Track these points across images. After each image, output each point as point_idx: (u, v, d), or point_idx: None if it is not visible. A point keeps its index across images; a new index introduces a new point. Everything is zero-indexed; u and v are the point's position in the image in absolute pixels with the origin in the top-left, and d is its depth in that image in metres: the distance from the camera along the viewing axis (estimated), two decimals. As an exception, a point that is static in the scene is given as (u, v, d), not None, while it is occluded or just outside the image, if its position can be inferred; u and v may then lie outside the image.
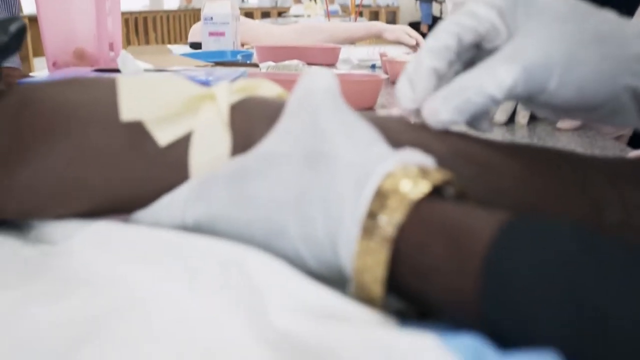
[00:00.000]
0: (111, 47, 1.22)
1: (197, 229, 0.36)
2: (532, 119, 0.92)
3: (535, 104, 0.42)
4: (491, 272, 0.24)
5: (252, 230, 0.33)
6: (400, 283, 0.28)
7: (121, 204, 0.39)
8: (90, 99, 0.39)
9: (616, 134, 0.89)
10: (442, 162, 0.38)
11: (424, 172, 0.30)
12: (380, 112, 0.98)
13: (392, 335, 0.24)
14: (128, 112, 0.37)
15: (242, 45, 1.87)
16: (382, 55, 1.40)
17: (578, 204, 0.40)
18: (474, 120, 0.42)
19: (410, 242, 0.28)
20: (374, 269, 0.28)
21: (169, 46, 1.94)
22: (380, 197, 0.29)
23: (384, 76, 0.99)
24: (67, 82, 0.42)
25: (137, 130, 0.38)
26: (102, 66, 1.22)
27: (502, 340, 0.23)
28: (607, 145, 0.77)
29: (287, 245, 0.32)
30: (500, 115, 0.89)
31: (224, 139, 0.37)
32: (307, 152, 0.32)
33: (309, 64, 1.52)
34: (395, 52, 1.56)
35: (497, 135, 0.83)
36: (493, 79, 0.38)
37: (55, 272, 0.36)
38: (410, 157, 0.31)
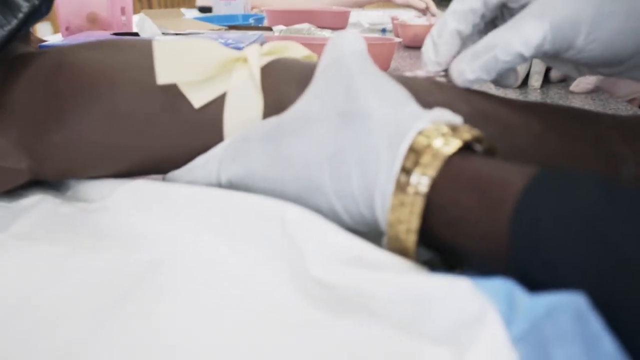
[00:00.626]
0: (123, 11, 1.23)
1: (232, 188, 0.37)
2: (546, 82, 0.93)
3: (560, 60, 0.42)
4: (521, 218, 0.26)
5: (287, 187, 0.34)
6: (433, 235, 0.30)
7: (157, 165, 0.41)
8: (124, 62, 0.41)
9: (630, 96, 0.90)
10: (466, 121, 0.39)
11: (454, 130, 0.31)
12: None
13: (426, 280, 0.26)
14: (164, 75, 0.38)
15: (252, 8, 1.87)
16: (393, 19, 1.40)
17: (594, 160, 0.42)
18: (501, 77, 0.43)
19: (443, 196, 0.29)
20: (409, 221, 0.29)
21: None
22: (414, 153, 0.30)
23: (397, 40, 0.99)
24: (100, 44, 0.43)
25: (172, 93, 0.39)
26: (115, 30, 1.22)
27: (531, 285, 0.25)
28: (619, 108, 0.78)
29: (322, 202, 0.33)
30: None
31: (256, 101, 0.38)
32: (341, 111, 0.33)
33: (319, 27, 1.52)
34: (406, 16, 1.56)
35: (513, 97, 0.84)
36: (521, 37, 0.38)
37: (95, 228, 0.38)
38: (441, 116, 0.32)
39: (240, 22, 1.31)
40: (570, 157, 0.41)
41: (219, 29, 1.10)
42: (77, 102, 0.40)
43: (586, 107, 0.79)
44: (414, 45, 1.29)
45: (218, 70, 0.39)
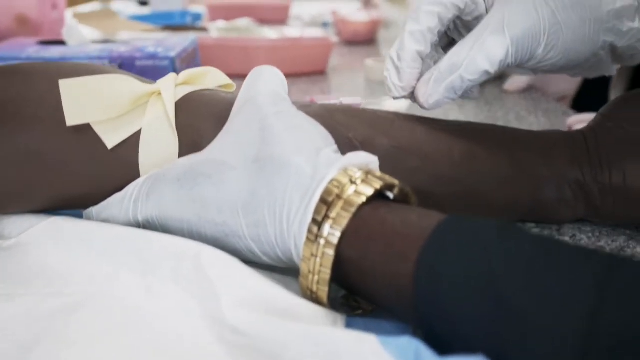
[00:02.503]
0: (54, 5, 1.18)
1: (148, 226, 0.37)
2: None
3: (521, 69, 0.43)
4: (423, 275, 0.26)
5: (202, 230, 0.34)
6: (345, 282, 0.30)
7: (74, 201, 0.40)
8: (35, 95, 0.39)
9: (560, 94, 0.92)
10: (386, 156, 0.39)
11: (367, 177, 0.31)
12: (333, 74, 0.99)
13: (335, 334, 0.26)
14: (73, 116, 0.37)
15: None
16: (333, 14, 1.39)
17: (516, 184, 0.42)
18: (464, 93, 0.43)
19: (353, 248, 0.29)
20: (320, 272, 0.30)
21: (115, 2, 1.89)
22: (326, 204, 0.30)
23: (334, 39, 0.99)
24: (12, 71, 0.41)
25: (85, 131, 0.38)
26: (46, 30, 1.18)
27: (437, 339, 0.25)
28: (550, 108, 0.80)
29: (239, 245, 0.33)
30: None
31: (171, 140, 0.38)
32: (255, 157, 0.33)
33: (260, 21, 1.50)
34: (348, 9, 1.55)
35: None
36: (484, 54, 0.38)
37: (9, 268, 0.37)
38: (355, 160, 0.32)
39: (176, 20, 1.28)
40: (493, 183, 0.42)
41: (153, 30, 1.07)
42: None
43: (518, 106, 0.80)
44: (354, 41, 1.29)
45: (131, 106, 0.38)
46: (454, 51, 0.39)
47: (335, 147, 0.34)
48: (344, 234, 0.30)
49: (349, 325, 0.29)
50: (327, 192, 0.30)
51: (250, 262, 0.34)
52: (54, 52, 0.73)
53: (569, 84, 0.91)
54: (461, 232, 0.27)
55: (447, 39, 0.45)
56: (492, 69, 0.39)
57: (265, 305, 0.30)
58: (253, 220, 0.32)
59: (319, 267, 0.30)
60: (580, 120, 0.69)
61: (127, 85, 0.38)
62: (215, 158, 0.34)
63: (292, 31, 1.30)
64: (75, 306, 0.32)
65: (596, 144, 0.44)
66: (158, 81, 0.40)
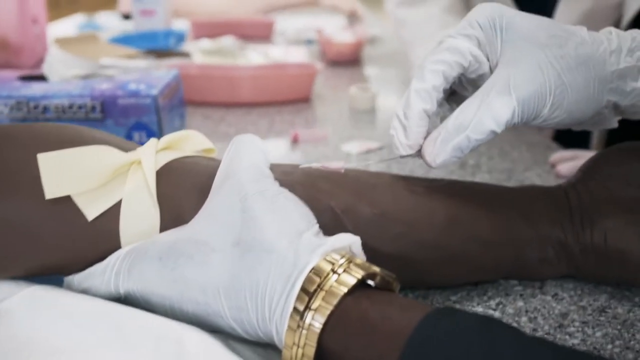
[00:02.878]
0: (35, 20, 1.17)
1: (130, 299, 0.37)
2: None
3: (525, 126, 0.43)
4: None
5: (184, 308, 0.34)
6: None
7: (54, 269, 0.39)
8: (14, 164, 0.39)
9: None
10: (369, 223, 0.39)
11: (349, 266, 0.31)
12: (318, 102, 0.98)
13: None
14: (52, 189, 0.37)
15: (175, 13, 1.82)
16: (318, 32, 1.39)
17: (500, 247, 0.42)
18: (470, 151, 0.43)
19: (334, 340, 0.30)
20: (305, 358, 0.30)
21: (99, 15, 1.87)
22: (307, 294, 0.30)
23: (318, 64, 0.99)
24: None
25: (65, 202, 0.37)
26: (28, 50, 1.17)
27: None
28: (534, 141, 0.80)
29: (222, 324, 0.33)
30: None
31: (152, 212, 0.37)
32: (237, 241, 0.33)
33: (245, 38, 1.50)
34: (332, 27, 1.55)
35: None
36: (491, 115, 0.38)
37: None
38: (337, 244, 0.32)
39: (160, 42, 1.27)
40: (476, 247, 0.42)
41: (135, 55, 1.07)
42: None
43: (501, 140, 0.80)
44: (338, 61, 1.29)
45: (111, 177, 0.38)
46: (460, 110, 0.39)
47: (316, 227, 0.34)
48: (326, 325, 0.30)
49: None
50: (308, 280, 0.31)
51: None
52: (35, 90, 0.72)
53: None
54: (441, 333, 0.27)
55: (449, 90, 0.45)
56: (499, 129, 0.39)
57: None
58: (235, 304, 0.32)
59: (300, 357, 0.30)
60: (564, 158, 0.70)
61: (106, 155, 0.38)
62: (198, 238, 0.35)
63: (276, 51, 1.30)
64: None
65: (578, 203, 0.44)
66: (139, 148, 0.40)
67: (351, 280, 0.31)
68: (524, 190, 0.46)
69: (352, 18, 1.87)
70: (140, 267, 0.36)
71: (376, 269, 0.32)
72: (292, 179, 0.40)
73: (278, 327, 0.31)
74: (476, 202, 0.43)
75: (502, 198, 0.44)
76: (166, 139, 0.41)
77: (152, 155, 0.39)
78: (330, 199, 0.40)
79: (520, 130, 0.85)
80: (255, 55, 1.19)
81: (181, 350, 0.33)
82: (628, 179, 0.44)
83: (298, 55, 1.27)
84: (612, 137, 0.95)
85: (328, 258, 0.31)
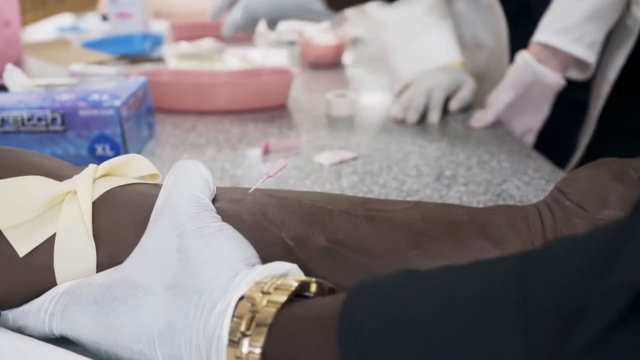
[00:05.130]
0: (6, 23, 1.14)
1: (65, 339, 0.34)
2: (445, 116, 0.92)
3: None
4: (345, 341, 0.25)
5: (120, 354, 0.32)
6: None
7: None
8: None
9: (526, 128, 0.90)
10: (323, 254, 0.37)
11: (280, 284, 0.29)
12: (294, 108, 0.96)
13: None
14: None
15: (155, 13, 1.79)
16: (299, 34, 1.36)
17: None
18: None
19: (277, 355, 0.27)
20: None
21: (87, 17, 1.84)
22: (239, 323, 0.28)
23: (295, 70, 0.96)
24: None
25: None
26: (0, 53, 1.14)
27: None
28: (514, 149, 0.77)
29: None
30: (412, 114, 0.88)
31: (88, 248, 0.35)
32: (172, 284, 0.31)
33: (225, 40, 1.47)
34: (314, 28, 1.52)
35: (408, 136, 0.82)
36: None
37: None
38: (267, 271, 0.31)
39: (136, 46, 1.24)
40: None
41: (107, 60, 1.04)
42: None
43: (482, 146, 0.78)
44: (318, 64, 1.26)
45: (44, 209, 0.35)
46: None
47: (258, 264, 0.32)
48: (264, 349, 0.27)
49: None
50: (240, 309, 0.28)
51: None
52: (-7, 101, 0.69)
53: (534, 118, 0.89)
54: (371, 290, 0.26)
55: None
56: None
57: None
58: (170, 352, 0.30)
59: None
60: (480, 121, 0.78)
61: (39, 186, 0.36)
62: (132, 280, 0.32)
63: (255, 54, 1.27)
64: None
65: (552, 224, 0.41)
66: (75, 176, 0.37)
67: (282, 297, 0.28)
68: (495, 213, 0.43)
69: (337, 19, 1.84)
70: (73, 311, 0.33)
71: (309, 278, 0.31)
72: (240, 208, 0.37)
73: None
74: (442, 228, 0.40)
75: (471, 222, 0.41)
76: (106, 164, 0.38)
77: (89, 184, 0.36)
78: (281, 229, 0.37)
79: (500, 137, 0.82)
80: (233, 60, 1.16)
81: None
82: (605, 199, 0.42)
83: (278, 59, 1.24)
84: (596, 146, 0.93)
85: (258, 284, 0.29)
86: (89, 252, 0.35)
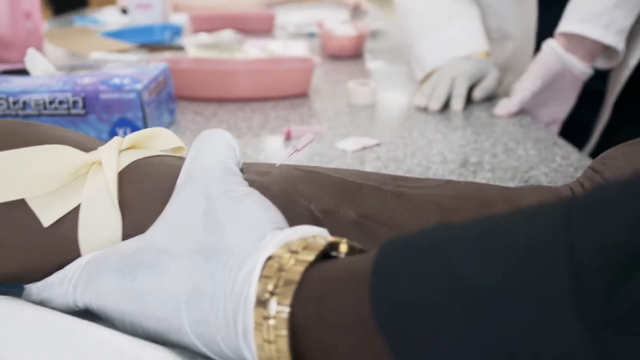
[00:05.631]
0: (28, 15, 1.14)
1: (89, 312, 0.34)
2: (468, 102, 0.90)
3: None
4: (378, 292, 0.24)
5: (144, 323, 0.31)
6: None
7: (14, 277, 0.36)
8: None
9: (551, 118, 0.88)
10: (352, 227, 0.36)
11: (308, 243, 0.28)
12: (315, 97, 0.95)
13: None
14: (4, 193, 0.34)
15: (175, 7, 1.79)
16: (319, 26, 1.35)
17: None
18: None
19: (306, 315, 0.26)
20: (280, 355, 0.26)
21: (106, 10, 1.85)
22: (267, 283, 0.27)
23: (317, 58, 0.95)
24: None
25: (20, 207, 0.34)
26: (20, 44, 1.14)
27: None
28: (540, 137, 0.76)
29: (184, 340, 0.30)
30: (435, 102, 0.87)
31: (113, 219, 0.34)
32: (200, 247, 0.30)
33: (245, 32, 1.46)
34: (334, 20, 1.51)
35: (431, 124, 0.81)
36: None
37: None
38: (296, 233, 0.29)
39: (155, 36, 1.23)
40: None
41: (128, 48, 1.03)
42: None
43: (507, 135, 0.76)
44: (339, 55, 1.25)
45: (68, 179, 0.34)
46: None
47: (285, 227, 0.31)
48: (293, 308, 0.26)
49: None
50: (267, 271, 0.27)
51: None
52: (15, 85, 0.69)
53: (560, 108, 0.87)
54: (404, 246, 0.25)
55: None
56: None
57: None
58: (196, 318, 0.29)
59: (276, 353, 0.26)
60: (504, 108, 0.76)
61: (63, 156, 0.35)
62: (157, 246, 0.31)
63: (275, 45, 1.26)
64: None
65: None
66: (100, 148, 0.37)
67: (311, 255, 0.27)
68: (527, 192, 0.42)
69: (356, 12, 1.84)
70: (97, 279, 0.32)
71: (340, 238, 0.29)
72: (268, 180, 0.36)
73: (246, 332, 0.27)
74: (474, 206, 0.39)
75: (503, 201, 0.40)
76: (131, 137, 0.38)
77: (115, 155, 0.35)
78: (310, 201, 0.36)
79: (525, 126, 0.81)
80: (253, 50, 1.15)
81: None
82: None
83: (298, 50, 1.23)
84: (611, 133, 0.91)
85: (286, 244, 0.28)
86: (114, 222, 0.34)
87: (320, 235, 0.30)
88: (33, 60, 0.74)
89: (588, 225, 0.20)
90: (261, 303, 0.27)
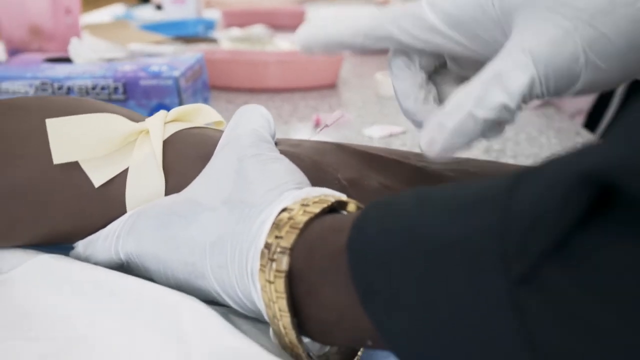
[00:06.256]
0: (68, 10, 1.19)
1: (129, 263, 0.37)
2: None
3: (567, 95, 0.34)
4: (352, 252, 0.26)
5: (175, 270, 0.34)
6: (302, 310, 0.29)
7: (61, 237, 0.40)
8: (26, 131, 0.39)
9: (576, 110, 0.89)
10: (375, 196, 0.38)
11: (320, 199, 0.31)
12: (344, 88, 0.97)
13: None
14: (60, 155, 0.37)
15: (207, 3, 1.83)
16: (347, 20, 1.38)
17: None
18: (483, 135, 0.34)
19: (301, 259, 0.28)
20: (278, 296, 0.28)
21: (138, 7, 1.90)
22: (277, 229, 0.29)
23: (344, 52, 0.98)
24: (7, 106, 0.41)
25: (72, 168, 0.38)
26: (60, 38, 1.19)
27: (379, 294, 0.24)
28: (563, 127, 0.78)
29: (208, 288, 0.33)
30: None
31: (158, 180, 0.37)
32: (227, 199, 0.33)
33: (276, 27, 1.49)
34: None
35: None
36: (501, 85, 0.31)
37: None
38: (315, 192, 0.32)
39: (189, 30, 1.27)
40: None
41: (164, 41, 1.07)
42: None
43: (531, 125, 0.78)
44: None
45: (119, 145, 0.38)
46: (463, 87, 0.32)
47: (305, 184, 0.33)
48: (292, 249, 0.28)
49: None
50: (278, 219, 0.30)
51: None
52: (60, 71, 0.73)
53: (585, 99, 0.88)
54: (382, 204, 0.27)
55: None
56: (513, 102, 0.31)
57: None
58: (218, 262, 0.32)
59: (275, 293, 0.28)
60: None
61: (115, 123, 0.38)
62: (191, 198, 0.35)
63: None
64: (59, 352, 0.32)
65: None
66: (147, 119, 0.40)
67: (318, 208, 0.30)
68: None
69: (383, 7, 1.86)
70: (138, 229, 0.36)
71: (349, 199, 0.31)
72: (299, 150, 0.39)
73: (253, 273, 0.30)
74: None
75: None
76: (176, 111, 0.41)
77: (161, 125, 0.39)
78: (337, 170, 0.39)
79: (549, 116, 0.82)
80: (284, 43, 1.18)
81: (178, 317, 0.32)
82: None
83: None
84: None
85: (302, 200, 0.31)
86: (158, 184, 0.37)
87: (333, 195, 0.32)
88: (76, 48, 0.78)
89: (524, 186, 0.21)
90: (268, 246, 0.29)
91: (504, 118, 0.32)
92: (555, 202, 0.19)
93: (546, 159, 0.22)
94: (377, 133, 0.73)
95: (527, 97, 0.32)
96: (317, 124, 0.77)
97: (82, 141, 0.37)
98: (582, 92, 0.33)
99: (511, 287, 0.20)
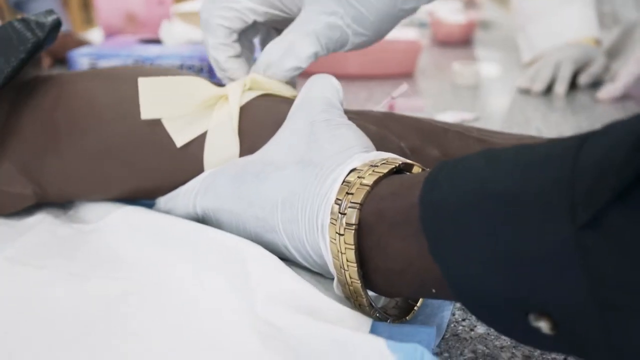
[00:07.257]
0: (160, 2, 1.26)
1: (204, 217, 0.40)
2: (572, 88, 0.91)
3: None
4: (426, 195, 0.28)
5: (247, 224, 0.37)
6: (372, 266, 0.31)
7: (145, 192, 0.43)
8: (115, 96, 0.43)
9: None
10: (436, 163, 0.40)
11: (387, 161, 0.32)
12: (421, 77, 0.99)
13: (349, 336, 0.27)
14: (148, 110, 0.41)
15: None
16: (430, 14, 1.39)
17: None
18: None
19: (370, 213, 0.30)
20: (347, 248, 0.30)
21: None
22: (347, 186, 0.32)
23: (424, 41, 0.99)
24: (98, 75, 0.45)
25: (157, 129, 0.41)
26: (151, 25, 1.26)
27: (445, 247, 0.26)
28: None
29: (277, 241, 0.35)
30: (538, 84, 0.89)
31: (233, 143, 0.41)
32: (299, 159, 0.35)
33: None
34: (446, 9, 1.54)
35: (532, 104, 0.83)
36: (294, 55, 0.44)
37: (83, 253, 0.40)
38: (382, 155, 0.34)
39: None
40: None
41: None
42: (70, 135, 0.42)
43: (609, 118, 0.77)
44: (448, 42, 1.28)
45: (200, 107, 0.41)
46: (266, 50, 0.45)
47: (370, 149, 0.35)
48: (362, 205, 0.31)
49: (374, 329, 0.30)
50: (348, 178, 0.32)
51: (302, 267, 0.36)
52: (151, 51, 0.78)
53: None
54: (452, 163, 0.28)
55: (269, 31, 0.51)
56: (303, 64, 0.45)
57: (295, 302, 0.32)
58: (288, 217, 0.34)
59: (344, 244, 0.30)
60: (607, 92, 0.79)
61: (198, 86, 0.42)
62: (264, 159, 0.37)
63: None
64: (136, 294, 0.35)
65: None
66: (227, 85, 0.43)
67: (386, 168, 0.32)
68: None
69: (469, 4, 1.85)
70: (215, 187, 0.39)
71: (416, 163, 0.33)
72: (365, 119, 0.41)
73: (323, 226, 0.32)
74: None
75: None
76: (254, 80, 0.44)
77: (239, 92, 0.42)
78: (401, 139, 0.41)
79: (629, 109, 0.81)
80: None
81: (244, 263, 0.35)
82: None
83: (408, 36, 1.27)
84: None
85: (371, 161, 0.33)
86: (234, 146, 0.41)
87: (399, 158, 0.34)
88: (167, 31, 0.83)
89: (589, 146, 0.23)
90: (338, 202, 0.31)
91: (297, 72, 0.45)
92: (619, 158, 0.21)
93: (609, 123, 0.24)
94: (449, 118, 0.75)
95: (312, 58, 0.45)
96: (390, 108, 0.79)
97: (168, 100, 0.41)
98: (352, 49, 0.47)
99: (577, 232, 0.22)
